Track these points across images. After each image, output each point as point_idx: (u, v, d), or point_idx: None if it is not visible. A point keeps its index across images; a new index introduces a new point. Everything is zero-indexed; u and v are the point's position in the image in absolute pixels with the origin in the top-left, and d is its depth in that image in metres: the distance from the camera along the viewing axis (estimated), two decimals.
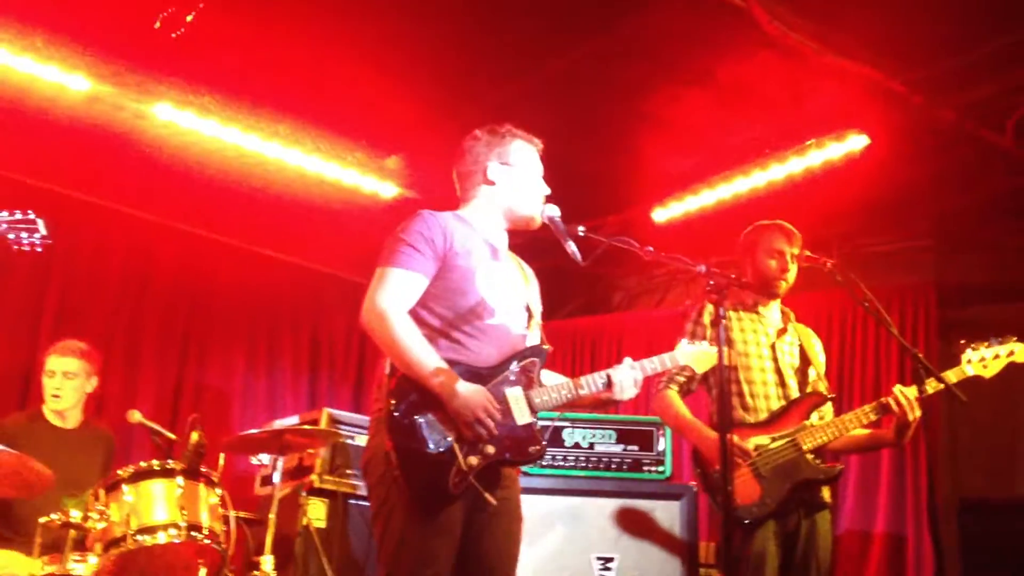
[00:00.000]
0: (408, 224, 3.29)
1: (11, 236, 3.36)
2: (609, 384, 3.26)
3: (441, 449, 3.04)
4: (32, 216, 3.40)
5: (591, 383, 3.28)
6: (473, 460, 3.05)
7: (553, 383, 3.31)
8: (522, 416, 3.17)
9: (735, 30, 4.77)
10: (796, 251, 4.25)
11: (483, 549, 3.17)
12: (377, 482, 3.15)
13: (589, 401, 3.35)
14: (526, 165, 3.47)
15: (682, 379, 4.24)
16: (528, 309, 3.44)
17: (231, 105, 5.75)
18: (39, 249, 3.40)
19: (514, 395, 3.18)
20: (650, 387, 4.19)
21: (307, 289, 7.48)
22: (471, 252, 3.30)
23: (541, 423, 3.28)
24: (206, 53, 5.27)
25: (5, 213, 3.36)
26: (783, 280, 4.25)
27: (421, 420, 3.05)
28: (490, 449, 3.08)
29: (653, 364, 3.37)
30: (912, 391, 3.91)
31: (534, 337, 3.43)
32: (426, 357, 3.07)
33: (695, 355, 3.50)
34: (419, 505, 3.05)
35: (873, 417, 4.02)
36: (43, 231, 3.40)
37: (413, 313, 3.18)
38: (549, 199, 3.47)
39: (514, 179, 3.43)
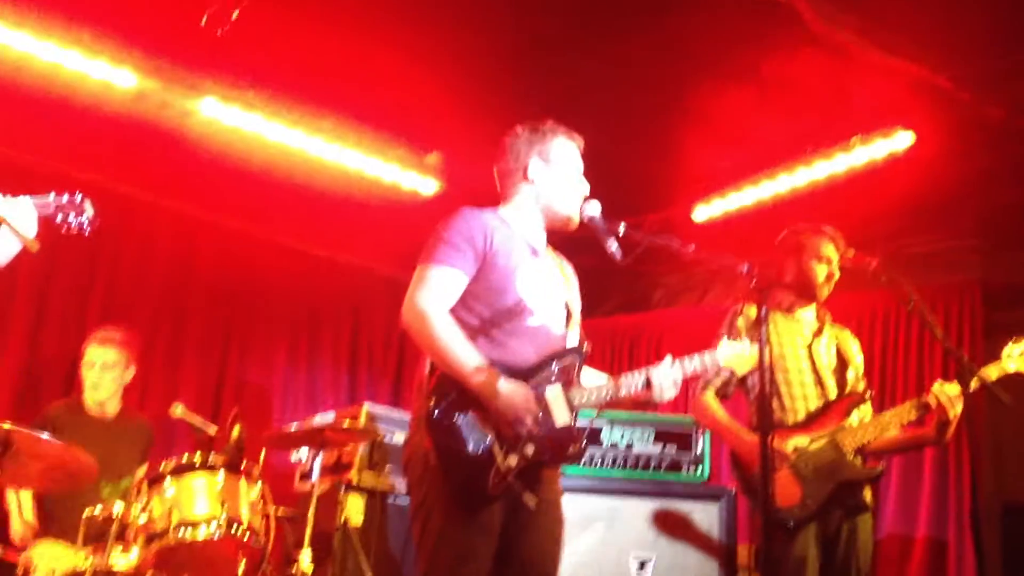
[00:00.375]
0: (449, 222, 3.28)
1: (59, 218, 3.36)
2: (648, 385, 3.21)
3: (480, 449, 3.02)
4: (80, 198, 3.40)
5: (631, 383, 3.23)
6: (512, 460, 3.03)
7: (593, 383, 3.28)
8: (561, 416, 3.13)
9: (779, 26, 4.72)
10: (840, 256, 4.21)
11: (523, 549, 3.15)
12: (417, 481, 3.15)
13: (629, 401, 3.31)
14: (566, 163, 3.44)
15: (719, 383, 4.22)
16: (568, 309, 3.42)
17: (275, 101, 5.79)
18: (87, 231, 3.39)
19: (554, 395, 3.14)
20: (689, 387, 4.16)
21: (347, 285, 7.51)
22: (511, 251, 3.28)
23: (580, 423, 3.25)
24: (250, 49, 5.31)
25: (53, 195, 3.37)
26: (827, 286, 4.21)
27: (461, 419, 3.03)
28: (529, 449, 3.05)
29: (693, 363, 3.29)
30: (953, 388, 3.86)
31: (574, 337, 3.40)
32: (467, 356, 3.05)
33: (735, 356, 3.42)
34: (458, 504, 3.04)
35: (914, 415, 3.97)
36: (90, 212, 3.40)
37: (453, 312, 3.17)
38: (590, 196, 3.45)
39: (554, 177, 3.40)
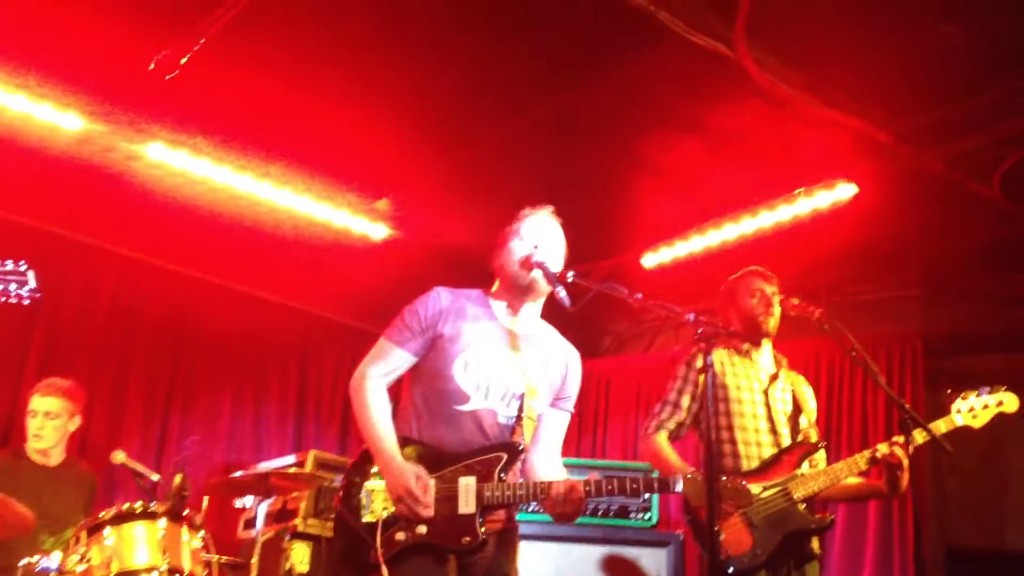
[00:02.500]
0: (416, 301, 3.44)
1: (0, 287, 3.36)
2: (547, 494, 3.20)
3: (370, 520, 3.17)
4: (24, 268, 3.41)
5: (533, 489, 3.23)
6: (400, 536, 3.14)
7: (520, 480, 3.30)
8: (466, 506, 3.18)
9: (726, 79, 4.81)
10: (774, 289, 4.29)
11: None
12: (326, 545, 3.30)
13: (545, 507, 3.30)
14: (520, 234, 3.48)
15: (672, 424, 4.23)
16: (522, 401, 3.36)
17: (223, 146, 5.77)
18: (26, 302, 3.47)
19: (465, 484, 3.20)
20: (639, 427, 4.17)
21: (295, 330, 7.45)
22: (461, 335, 3.34)
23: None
24: (199, 95, 5.29)
25: None
26: (769, 316, 4.28)
27: (365, 489, 3.22)
28: (421, 529, 3.14)
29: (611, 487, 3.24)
30: (935, 428, 3.91)
31: (530, 427, 3.38)
32: (379, 429, 3.25)
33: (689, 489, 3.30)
34: (344, 570, 3.22)
35: (864, 467, 4.01)
36: (33, 284, 3.44)
37: (409, 388, 3.38)
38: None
39: (508, 250, 3.47)
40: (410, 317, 3.39)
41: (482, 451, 3.26)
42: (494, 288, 3.53)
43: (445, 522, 3.15)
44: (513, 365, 3.38)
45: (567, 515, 3.23)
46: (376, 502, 3.18)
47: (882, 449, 3.95)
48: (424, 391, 3.34)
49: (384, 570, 3.08)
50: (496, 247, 3.54)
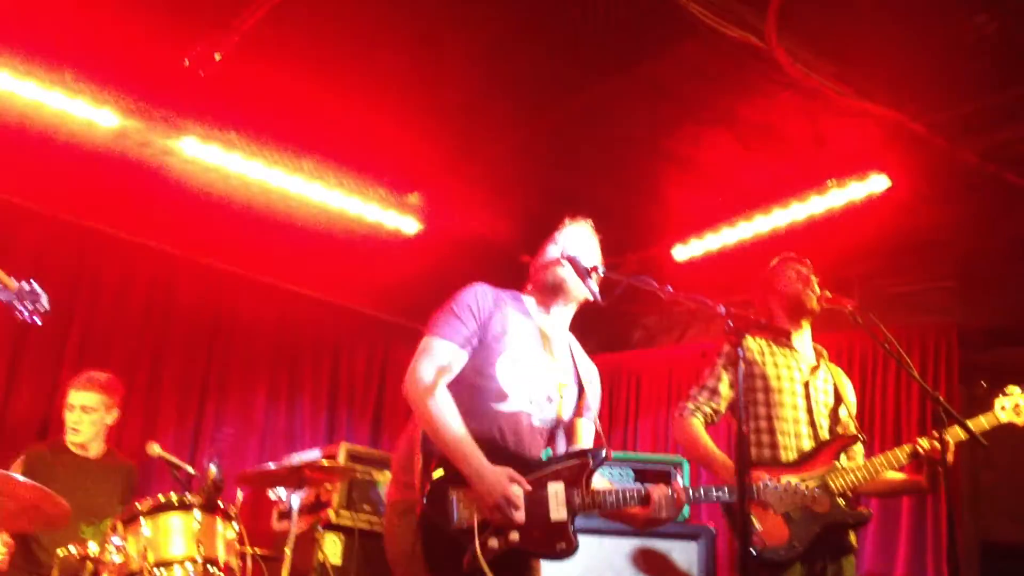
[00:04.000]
0: (458, 294, 3.33)
1: (15, 303, 3.53)
2: (647, 500, 3.20)
3: (463, 527, 3.04)
4: (37, 289, 3.58)
5: (626, 497, 3.23)
6: (494, 543, 3.04)
7: (601, 487, 3.27)
8: (558, 512, 3.13)
9: (757, 71, 4.80)
10: (810, 270, 4.28)
11: None
12: (400, 553, 3.15)
13: (626, 515, 3.31)
14: (556, 239, 3.47)
15: (708, 409, 4.21)
16: (564, 402, 3.37)
17: (256, 141, 5.82)
18: (38, 322, 3.60)
19: (555, 490, 3.15)
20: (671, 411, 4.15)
21: (328, 324, 7.50)
22: (506, 333, 3.28)
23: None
24: (233, 90, 5.34)
25: (14, 282, 3.53)
26: (811, 292, 4.23)
27: (453, 495, 3.06)
28: (514, 536, 3.06)
29: (691, 493, 3.31)
30: (973, 425, 3.87)
31: (587, 436, 3.40)
32: (457, 436, 3.08)
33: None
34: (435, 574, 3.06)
35: (904, 461, 3.98)
36: (45, 305, 3.59)
37: (451, 387, 3.19)
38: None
39: (542, 254, 3.47)
40: (460, 310, 3.26)
41: (567, 457, 3.24)
42: (528, 290, 3.50)
43: (537, 528, 3.09)
44: (549, 367, 3.37)
45: (662, 521, 3.21)
46: (462, 507, 3.06)
47: (924, 444, 3.91)
48: (467, 390, 3.20)
49: (489, 573, 2.99)
50: (536, 252, 3.51)
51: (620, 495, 3.21)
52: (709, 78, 4.97)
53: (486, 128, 5.61)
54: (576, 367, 3.48)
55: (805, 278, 4.27)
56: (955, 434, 3.89)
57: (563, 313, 3.48)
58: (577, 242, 3.45)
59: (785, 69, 4.68)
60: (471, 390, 3.21)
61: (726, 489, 3.35)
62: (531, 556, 3.19)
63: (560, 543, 3.11)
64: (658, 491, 3.20)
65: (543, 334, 3.40)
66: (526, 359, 3.29)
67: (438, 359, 3.19)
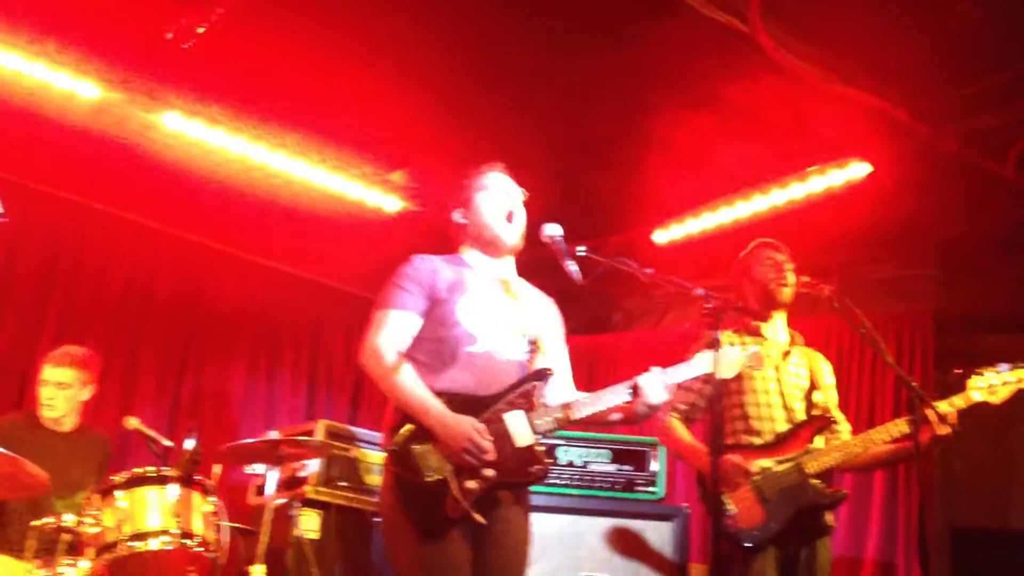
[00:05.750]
0: (400, 269, 3.49)
1: None
2: (636, 391, 3.31)
3: (437, 477, 3.15)
4: None
5: (615, 394, 3.34)
6: (472, 484, 3.16)
7: (562, 401, 3.38)
8: (522, 438, 3.25)
9: (741, 55, 4.80)
10: (785, 258, 4.30)
11: (493, 563, 3.26)
12: (386, 512, 3.32)
13: (616, 414, 3.41)
14: (486, 192, 3.60)
15: (683, 407, 4.25)
16: (529, 337, 3.50)
17: (239, 116, 5.79)
18: None
19: (512, 419, 3.26)
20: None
21: (308, 301, 7.49)
22: (457, 286, 3.43)
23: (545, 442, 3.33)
24: (216, 64, 5.31)
25: None
26: (783, 284, 4.26)
27: (417, 450, 3.17)
28: (490, 472, 3.17)
29: (677, 372, 3.37)
30: (944, 405, 3.89)
31: (540, 362, 3.49)
32: (416, 392, 3.24)
33: (717, 360, 3.33)
34: (421, 531, 3.17)
35: (879, 444, 3.99)
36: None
37: (409, 350, 3.35)
38: (551, 217, 3.52)
39: (477, 210, 3.58)
40: (405, 281, 3.43)
41: (515, 386, 3.33)
42: (463, 247, 3.62)
43: (509, 459, 3.21)
44: (512, 306, 3.50)
45: (654, 408, 3.32)
46: (432, 460, 3.16)
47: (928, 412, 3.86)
48: (430, 345, 3.36)
49: (477, 516, 3.13)
50: (454, 207, 3.63)
51: (601, 401, 3.32)
52: (693, 60, 4.97)
53: (469, 107, 5.59)
54: (533, 303, 3.61)
55: (779, 267, 4.28)
56: (954, 405, 3.90)
57: (508, 262, 3.61)
58: (510, 189, 3.59)
59: (768, 53, 4.69)
60: (438, 343, 3.35)
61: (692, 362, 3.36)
62: (510, 488, 3.28)
63: (533, 466, 3.26)
64: (645, 380, 3.30)
65: (495, 279, 3.54)
66: (485, 302, 3.44)
67: (389, 327, 3.36)
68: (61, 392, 5.07)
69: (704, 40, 4.75)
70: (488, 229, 3.55)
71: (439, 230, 6.51)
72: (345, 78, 5.38)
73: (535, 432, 3.26)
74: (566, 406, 3.33)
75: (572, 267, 3.33)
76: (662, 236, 6.66)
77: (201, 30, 4.84)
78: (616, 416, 3.44)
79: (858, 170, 5.63)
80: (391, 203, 6.61)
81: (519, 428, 3.25)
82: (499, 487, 3.23)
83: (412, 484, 3.18)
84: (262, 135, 5.95)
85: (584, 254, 3.38)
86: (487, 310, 3.43)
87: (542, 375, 3.37)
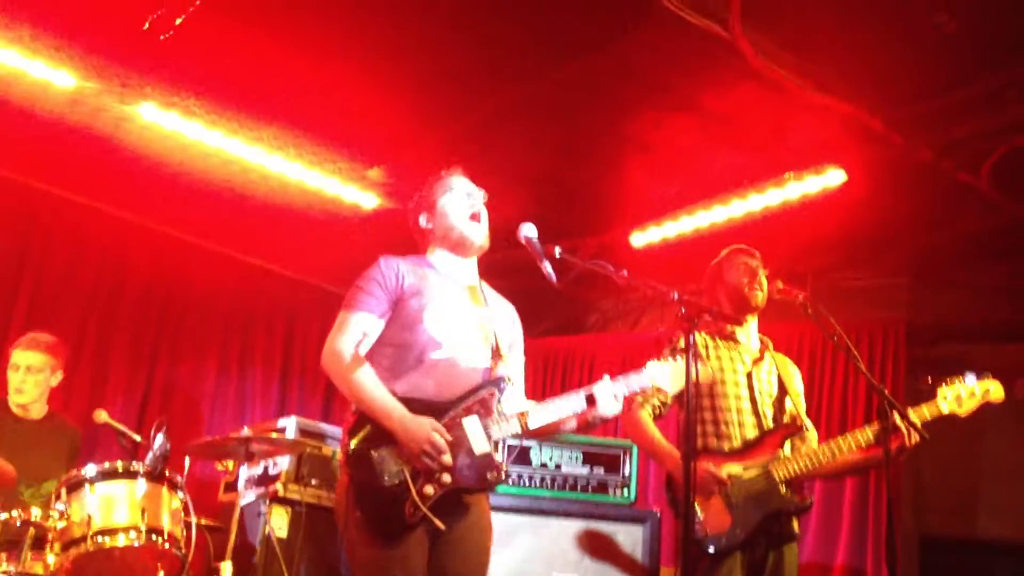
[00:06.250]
0: (366, 272, 3.50)
1: None
2: (591, 400, 3.32)
3: (395, 481, 3.16)
4: None
5: (571, 402, 3.35)
6: (429, 490, 3.17)
7: (517, 410, 3.38)
8: (479, 445, 3.26)
9: (721, 60, 4.81)
10: (759, 264, 4.32)
11: (452, 567, 3.27)
12: (341, 515, 3.28)
13: (571, 423, 3.44)
14: (450, 195, 3.60)
15: (656, 401, 4.25)
16: (493, 344, 3.50)
17: (216, 109, 5.74)
18: None
19: (470, 425, 3.28)
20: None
21: (283, 296, 7.46)
22: (423, 291, 3.44)
23: (511, 444, 3.34)
24: (193, 56, 5.26)
25: None
26: (756, 289, 4.29)
27: (376, 454, 3.18)
28: (446, 478, 3.19)
29: (623, 383, 3.39)
30: (913, 415, 3.91)
31: (501, 370, 3.49)
32: (376, 394, 3.24)
33: (667, 373, 3.43)
34: (377, 535, 3.18)
35: (846, 453, 4.01)
36: None
37: (371, 353, 3.38)
38: (528, 218, 3.52)
39: (442, 213, 3.59)
40: (369, 284, 3.43)
41: (471, 392, 3.34)
42: (430, 250, 3.63)
43: (467, 466, 3.23)
44: (476, 313, 3.51)
45: (606, 419, 3.36)
46: (388, 463, 3.17)
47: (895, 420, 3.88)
48: (393, 350, 3.37)
49: (436, 521, 3.13)
50: (418, 212, 3.65)
51: (557, 410, 3.33)
52: (673, 64, 4.97)
53: (448, 106, 5.58)
54: (498, 310, 3.63)
55: (752, 272, 4.31)
56: (922, 414, 3.94)
57: (470, 265, 3.63)
58: (473, 191, 3.60)
59: (748, 59, 4.70)
60: (401, 348, 3.37)
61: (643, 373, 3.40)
62: (466, 493, 3.28)
63: (490, 473, 3.27)
64: (600, 388, 3.33)
65: (461, 285, 3.55)
66: (451, 308, 3.45)
67: (351, 330, 3.37)
68: (31, 377, 5.05)
69: (684, 45, 4.75)
70: (454, 231, 3.56)
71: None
72: (324, 73, 5.35)
73: (491, 439, 3.29)
74: (522, 415, 3.34)
75: (548, 268, 3.33)
76: (639, 239, 6.66)
77: (179, 21, 4.80)
78: (570, 426, 3.47)
79: (834, 177, 5.66)
80: (368, 200, 6.58)
81: (476, 434, 3.27)
82: (457, 492, 3.24)
83: (369, 487, 3.18)
84: (239, 129, 5.90)
85: (560, 255, 3.38)
86: (452, 316, 3.44)
87: (499, 383, 3.39)
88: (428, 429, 3.17)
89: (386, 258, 3.51)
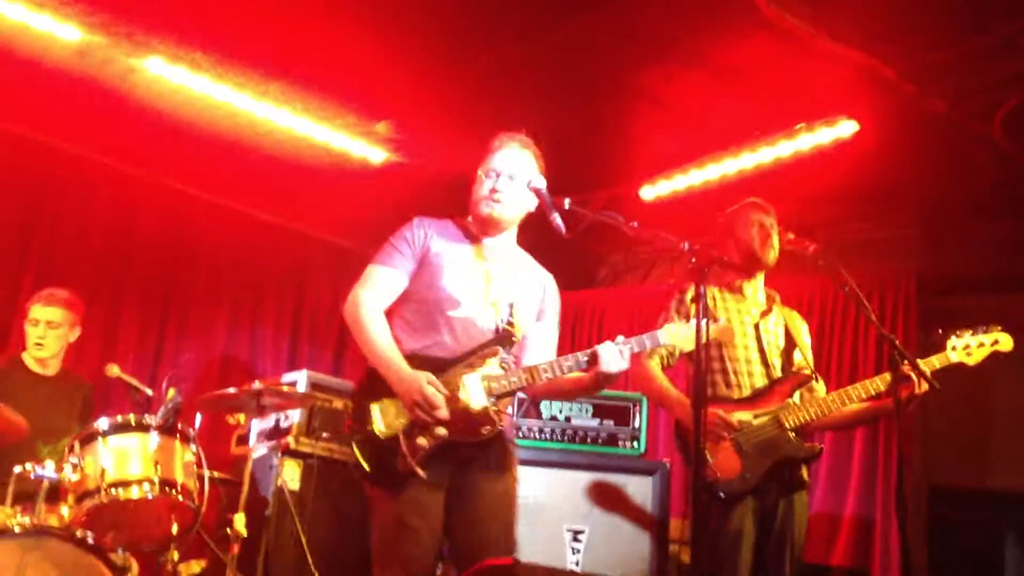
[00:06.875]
0: (399, 229, 3.58)
1: None
2: (594, 359, 3.35)
3: (390, 433, 3.26)
4: None
5: (574, 360, 3.38)
6: (422, 441, 3.24)
7: (523, 366, 3.45)
8: (477, 400, 3.31)
9: (732, 10, 4.75)
10: (773, 221, 4.30)
11: (470, 519, 3.33)
12: (352, 467, 3.36)
13: (576, 382, 3.48)
14: (482, 170, 3.63)
15: (663, 351, 4.26)
16: (511, 307, 3.52)
17: (223, 62, 5.70)
18: None
19: (471, 380, 3.33)
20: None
21: (292, 251, 7.46)
22: (447, 251, 3.52)
23: (520, 398, 3.38)
24: (199, 9, 5.22)
25: None
26: (768, 248, 4.28)
27: (376, 406, 3.28)
28: (441, 431, 3.24)
29: (633, 343, 3.42)
30: (923, 364, 3.92)
31: (518, 333, 3.53)
32: (381, 346, 3.34)
33: (678, 335, 3.48)
34: (379, 481, 3.28)
35: (855, 401, 4.04)
36: None
37: (394, 308, 3.48)
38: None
39: (475, 188, 3.62)
40: (398, 242, 3.53)
41: (477, 349, 3.39)
42: (469, 219, 3.66)
43: (461, 419, 3.27)
44: (500, 276, 3.55)
45: (612, 377, 3.38)
46: (388, 416, 3.26)
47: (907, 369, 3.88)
48: (413, 305, 3.47)
49: (420, 472, 3.20)
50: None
51: (560, 367, 3.37)
52: (684, 15, 4.91)
53: (457, 60, 5.53)
54: (527, 279, 3.64)
55: (765, 232, 4.29)
56: (931, 364, 3.96)
57: (507, 236, 3.66)
58: (507, 171, 3.57)
59: (760, 8, 4.64)
60: (425, 304, 3.45)
61: (656, 333, 3.44)
62: (463, 447, 3.31)
63: (484, 427, 3.31)
64: (604, 349, 3.35)
65: (491, 251, 3.59)
66: (474, 271, 3.50)
67: (373, 283, 3.48)
68: (52, 331, 5.09)
69: None
70: (475, 207, 3.60)
71: (423, 182, 6.53)
72: (331, 27, 5.30)
73: (491, 395, 3.32)
74: (525, 370, 3.39)
75: (557, 220, 3.33)
76: (649, 192, 6.63)
77: None
78: (580, 387, 3.50)
79: (846, 128, 5.61)
80: (376, 154, 6.55)
81: (474, 388, 3.31)
82: (456, 446, 3.28)
83: (368, 440, 3.28)
84: (246, 83, 5.87)
85: (570, 207, 3.37)
86: (473, 277, 3.49)
87: (506, 340, 3.44)
88: (422, 382, 3.22)
89: (420, 218, 3.59)
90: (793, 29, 4.81)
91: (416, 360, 3.32)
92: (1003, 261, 6.17)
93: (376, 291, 3.46)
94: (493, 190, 3.55)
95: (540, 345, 3.62)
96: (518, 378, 3.37)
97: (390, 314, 3.47)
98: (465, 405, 3.28)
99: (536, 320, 3.64)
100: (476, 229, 3.63)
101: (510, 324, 3.48)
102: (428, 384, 3.22)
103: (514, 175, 3.55)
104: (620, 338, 3.41)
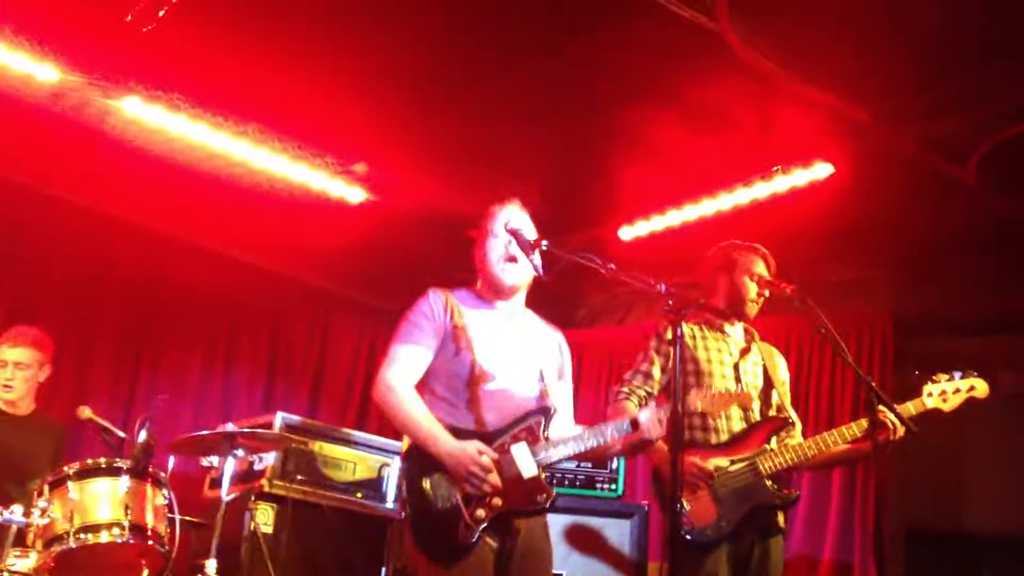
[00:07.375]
0: (414, 304, 3.61)
1: None
2: (635, 425, 3.45)
3: (448, 505, 3.27)
4: None
5: (616, 427, 3.47)
6: (480, 513, 3.27)
7: (564, 435, 3.51)
8: (529, 470, 3.35)
9: (708, 53, 4.79)
10: (772, 276, 4.31)
11: None
12: (407, 543, 3.40)
13: (609, 447, 3.55)
14: (488, 233, 3.65)
15: (642, 393, 4.23)
16: (541, 373, 3.60)
17: (200, 103, 5.70)
18: None
19: (519, 451, 3.37)
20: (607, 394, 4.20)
21: (268, 292, 7.40)
22: (471, 323, 3.54)
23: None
24: (177, 49, 5.22)
25: None
26: (756, 305, 4.29)
27: (428, 481, 3.31)
28: (497, 501, 3.29)
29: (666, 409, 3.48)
30: (899, 409, 3.92)
31: (549, 399, 3.58)
32: (425, 423, 3.37)
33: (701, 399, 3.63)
34: (434, 559, 3.29)
35: (832, 447, 4.03)
36: None
37: (422, 384, 3.51)
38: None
39: (483, 255, 3.65)
40: (417, 317, 3.55)
41: (519, 420, 3.44)
42: (479, 285, 3.70)
43: (516, 489, 3.32)
44: (525, 344, 3.61)
45: (652, 442, 3.49)
46: (441, 490, 3.29)
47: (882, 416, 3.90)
48: (445, 380, 3.50)
49: (490, 540, 3.27)
50: (475, 246, 3.70)
51: (603, 434, 3.44)
52: (661, 56, 4.95)
53: (434, 100, 5.55)
54: (544, 341, 3.71)
55: (761, 291, 4.29)
56: (907, 410, 3.96)
57: (519, 298, 3.71)
58: (501, 236, 3.61)
59: (736, 52, 4.69)
60: (456, 378, 3.49)
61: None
62: (517, 516, 3.36)
63: (540, 495, 3.36)
64: (645, 415, 3.45)
65: (506, 318, 3.63)
66: (501, 341, 3.55)
67: (400, 362, 3.49)
68: (20, 373, 5.03)
69: (672, 37, 4.74)
70: (490, 275, 3.63)
71: (400, 223, 6.53)
72: (307, 69, 5.32)
73: (539, 464, 3.36)
74: (567, 440, 3.44)
75: (536, 260, 3.35)
76: (628, 233, 6.65)
77: (161, 13, 4.76)
78: (616, 449, 3.60)
79: (821, 170, 5.65)
80: (354, 194, 6.54)
81: (524, 459, 3.36)
82: (510, 515, 3.33)
83: (424, 512, 3.30)
84: (223, 123, 5.86)
85: (547, 247, 3.38)
86: (502, 348, 3.54)
87: (546, 411, 3.48)
88: (473, 451, 3.28)
89: (434, 290, 3.62)
90: (768, 73, 4.86)
91: (461, 435, 3.36)
92: (978, 301, 6.21)
93: (404, 370, 3.48)
94: (512, 257, 3.57)
95: (562, 405, 3.67)
96: (565, 447, 3.42)
97: (419, 390, 3.50)
98: (517, 474, 3.33)
99: (557, 379, 3.70)
100: (489, 295, 3.66)
101: (544, 392, 3.55)
102: (479, 453, 3.28)
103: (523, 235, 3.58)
104: (652, 404, 3.56)
